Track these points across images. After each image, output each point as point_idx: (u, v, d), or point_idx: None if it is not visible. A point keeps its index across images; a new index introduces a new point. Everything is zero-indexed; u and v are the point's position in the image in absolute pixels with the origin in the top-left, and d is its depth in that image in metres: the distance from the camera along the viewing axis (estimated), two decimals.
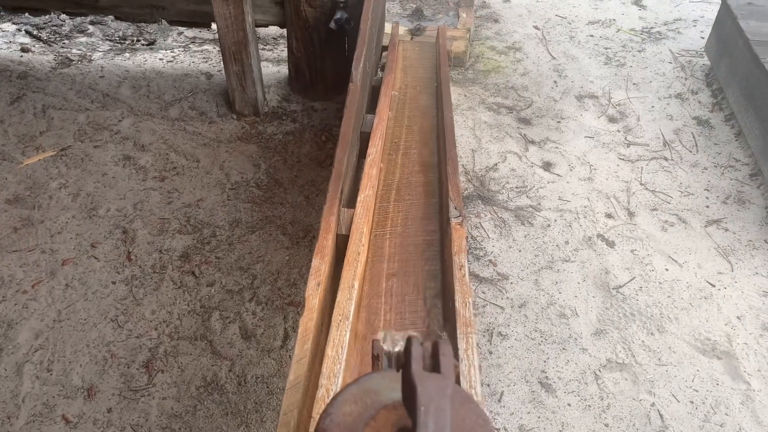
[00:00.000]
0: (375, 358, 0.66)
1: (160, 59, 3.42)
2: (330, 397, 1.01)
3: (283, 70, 3.34)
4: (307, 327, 1.15)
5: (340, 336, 1.12)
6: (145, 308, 2.11)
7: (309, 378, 1.11)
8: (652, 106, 3.22)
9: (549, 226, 2.49)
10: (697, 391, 1.95)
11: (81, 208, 2.47)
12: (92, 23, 3.73)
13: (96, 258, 2.27)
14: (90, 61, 3.37)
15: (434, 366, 0.57)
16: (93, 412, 1.82)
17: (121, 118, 2.94)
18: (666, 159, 2.87)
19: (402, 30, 3.42)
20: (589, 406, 1.90)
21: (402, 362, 0.67)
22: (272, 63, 3.45)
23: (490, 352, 2.04)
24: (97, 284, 2.18)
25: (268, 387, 1.91)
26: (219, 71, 3.29)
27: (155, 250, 2.31)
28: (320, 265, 1.29)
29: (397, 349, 0.67)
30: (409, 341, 0.59)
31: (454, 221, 1.47)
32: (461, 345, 1.11)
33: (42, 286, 2.17)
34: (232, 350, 2.00)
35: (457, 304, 1.20)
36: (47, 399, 1.85)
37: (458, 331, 1.14)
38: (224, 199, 2.54)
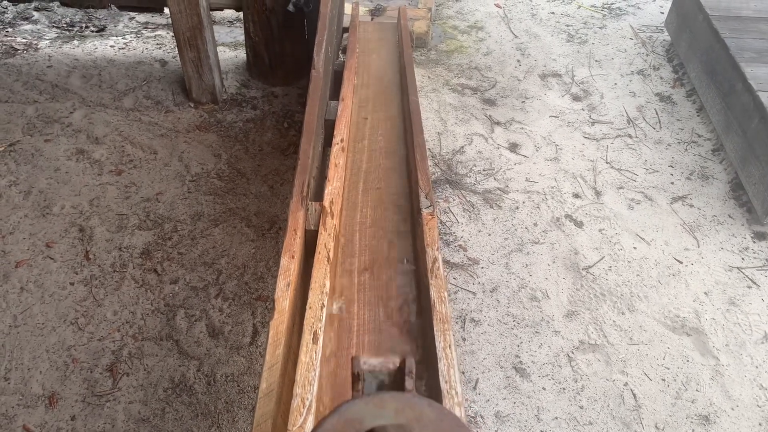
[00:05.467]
0: (355, 377, 0.61)
1: (111, 46, 3.28)
2: (305, 408, 0.97)
3: (241, 54, 3.23)
4: (278, 330, 1.10)
5: (314, 340, 1.07)
6: (107, 309, 2.03)
7: (282, 385, 1.07)
8: (615, 84, 3.22)
9: (517, 208, 2.48)
10: (668, 368, 1.97)
11: (33, 206, 2.35)
12: (37, 9, 3.56)
13: (52, 258, 2.17)
14: (36, 49, 3.21)
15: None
16: (56, 420, 1.75)
17: (73, 110, 2.81)
18: (630, 136, 2.88)
19: (362, 11, 3.34)
20: (564, 389, 1.90)
21: (387, 381, 0.63)
22: (228, 48, 3.34)
23: (464, 339, 2.02)
24: (54, 286, 2.09)
25: (238, 385, 1.86)
26: (174, 58, 3.17)
27: (114, 248, 2.22)
28: (289, 265, 1.24)
29: (377, 365, 0.63)
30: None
31: (425, 211, 1.43)
32: (439, 343, 1.08)
33: None
34: (199, 349, 1.94)
35: (432, 300, 1.17)
36: (6, 409, 1.77)
37: (435, 329, 1.11)
38: (185, 192, 2.45)
